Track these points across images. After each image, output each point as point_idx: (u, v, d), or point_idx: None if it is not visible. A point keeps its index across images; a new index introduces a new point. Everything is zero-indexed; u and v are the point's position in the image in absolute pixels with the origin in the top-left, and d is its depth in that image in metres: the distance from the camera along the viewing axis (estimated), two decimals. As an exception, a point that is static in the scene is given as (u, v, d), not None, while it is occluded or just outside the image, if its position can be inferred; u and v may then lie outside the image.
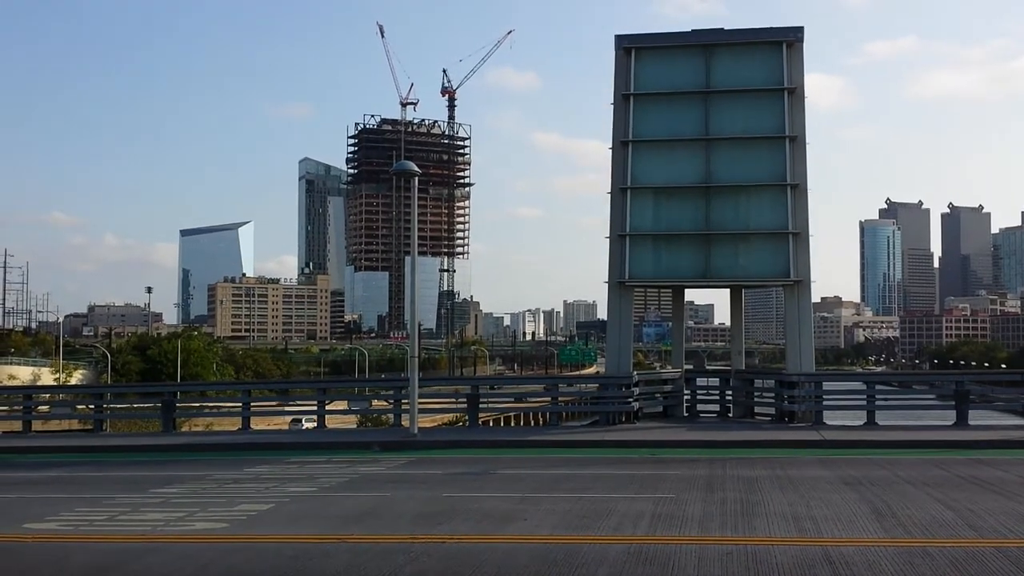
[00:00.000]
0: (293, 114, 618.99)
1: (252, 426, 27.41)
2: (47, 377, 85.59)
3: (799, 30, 26.76)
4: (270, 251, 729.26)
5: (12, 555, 11.19)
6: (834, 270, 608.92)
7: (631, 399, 25.69)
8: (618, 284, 26.96)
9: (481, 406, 27.24)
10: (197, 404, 35.57)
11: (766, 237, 26.53)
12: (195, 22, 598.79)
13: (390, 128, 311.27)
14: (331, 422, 30.44)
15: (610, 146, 27.43)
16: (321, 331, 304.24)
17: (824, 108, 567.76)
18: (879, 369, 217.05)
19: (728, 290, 29.95)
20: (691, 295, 35.88)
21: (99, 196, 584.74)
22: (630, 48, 27.13)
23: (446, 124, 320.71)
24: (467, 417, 27.14)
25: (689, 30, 28.16)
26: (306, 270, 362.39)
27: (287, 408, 35.46)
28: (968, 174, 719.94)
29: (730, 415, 27.86)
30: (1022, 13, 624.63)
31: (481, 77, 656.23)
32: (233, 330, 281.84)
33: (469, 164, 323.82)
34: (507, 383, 50.93)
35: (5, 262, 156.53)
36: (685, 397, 28.19)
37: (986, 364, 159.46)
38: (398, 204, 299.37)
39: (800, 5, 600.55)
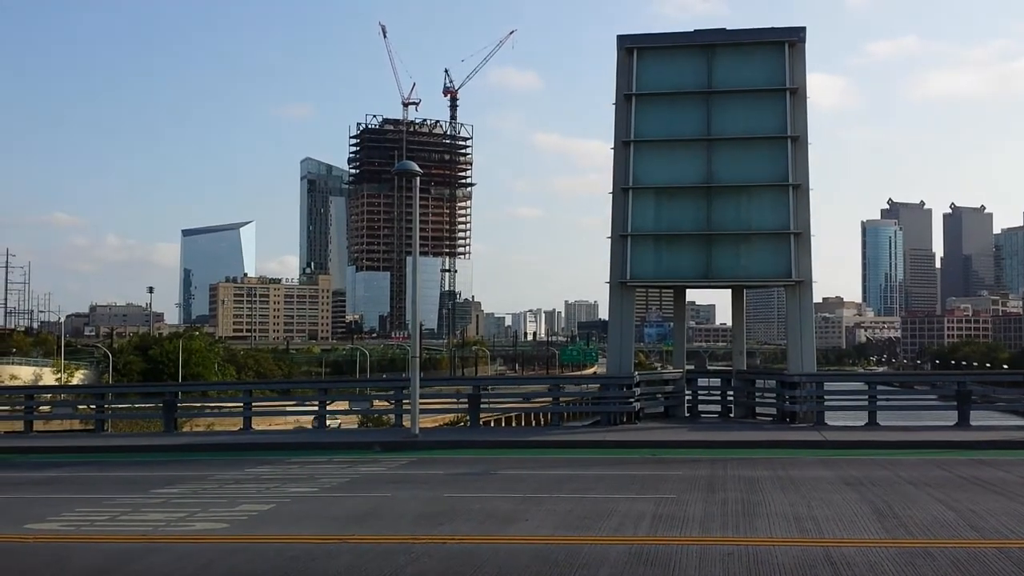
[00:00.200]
0: (295, 114, 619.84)
1: (253, 426, 27.41)
2: (49, 377, 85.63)
3: (801, 30, 26.75)
4: (272, 251, 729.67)
5: (13, 555, 11.20)
6: (836, 270, 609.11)
7: (632, 399, 25.68)
8: (619, 284, 26.95)
9: (482, 406, 27.24)
10: (198, 404, 35.58)
11: (768, 237, 26.51)
12: (197, 22, 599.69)
13: (392, 128, 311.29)
14: (332, 421, 30.43)
15: (611, 146, 27.42)
16: (322, 331, 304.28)
17: (826, 108, 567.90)
18: (880, 369, 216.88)
19: (729, 290, 29.95)
20: (692, 295, 35.89)
21: (101, 196, 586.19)
22: (632, 48, 27.12)
23: (448, 124, 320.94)
24: (468, 417, 27.14)
25: (691, 30, 28.16)
26: (307, 270, 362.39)
27: (288, 408, 35.44)
28: (970, 174, 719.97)
29: (731, 415, 27.83)
30: (1022, 13, 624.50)
31: (483, 77, 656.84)
32: (234, 330, 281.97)
33: (471, 164, 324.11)
34: (508, 383, 50.96)
35: (7, 262, 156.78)
36: (686, 397, 28.17)
37: (988, 364, 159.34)
38: (400, 204, 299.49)
39: (801, 5, 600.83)
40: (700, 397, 28.82)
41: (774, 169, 26.40)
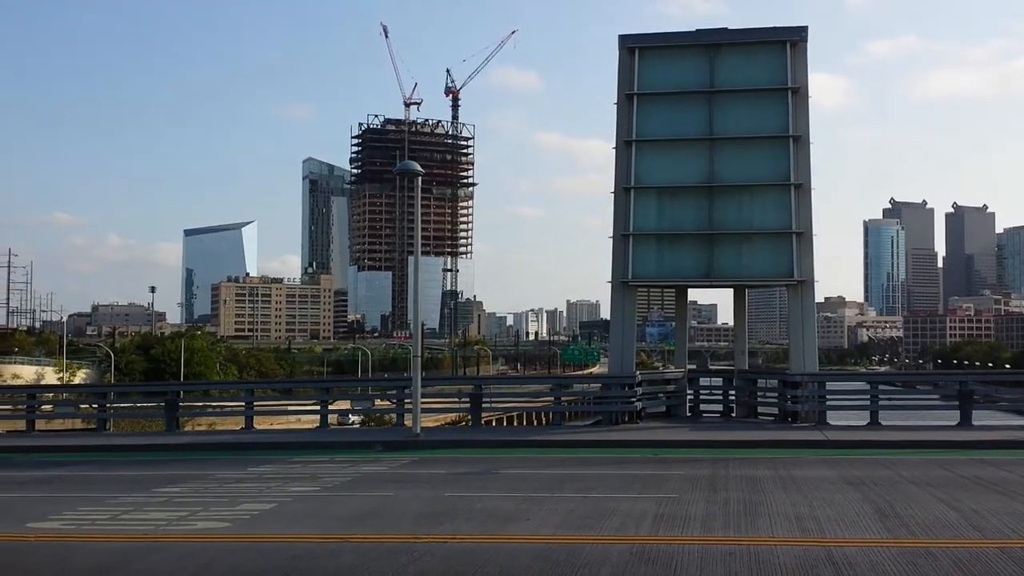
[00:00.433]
0: (296, 114, 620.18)
1: (255, 426, 27.42)
2: (51, 376, 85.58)
3: (803, 30, 26.74)
4: (273, 251, 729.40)
5: (15, 554, 11.20)
6: (838, 270, 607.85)
7: (634, 399, 25.68)
8: (621, 284, 26.95)
9: (484, 406, 27.23)
10: (200, 404, 35.56)
11: (769, 237, 26.50)
12: (197, 22, 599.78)
13: (394, 128, 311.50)
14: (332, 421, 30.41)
15: (613, 146, 27.42)
16: (324, 331, 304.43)
17: (828, 108, 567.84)
18: (883, 369, 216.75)
19: (731, 290, 29.93)
20: (694, 295, 35.87)
21: (101, 196, 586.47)
22: (634, 48, 27.11)
23: (449, 124, 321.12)
24: (470, 417, 27.15)
25: (693, 30, 28.15)
26: (309, 270, 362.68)
27: (290, 407, 35.46)
28: (972, 173, 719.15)
29: (733, 415, 27.83)
30: (1022, 13, 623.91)
31: (484, 77, 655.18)
32: (236, 330, 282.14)
33: (472, 164, 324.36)
34: (510, 383, 50.95)
35: (9, 262, 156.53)
36: (688, 397, 28.15)
37: (990, 364, 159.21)
38: (401, 204, 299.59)
39: (802, 5, 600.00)
40: (702, 397, 28.80)
41: (776, 169, 26.39)
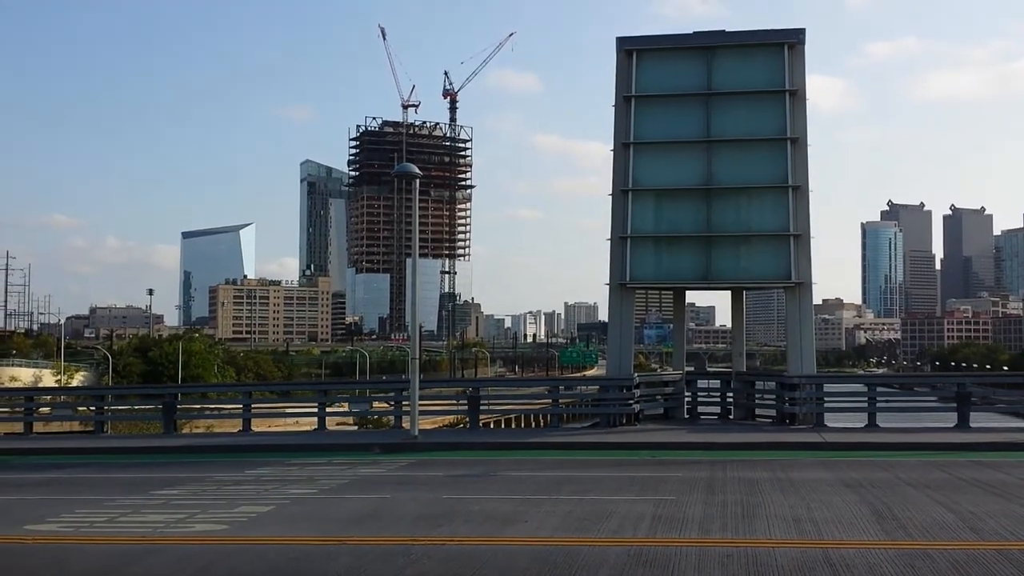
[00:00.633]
0: (294, 116, 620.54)
1: (253, 428, 27.40)
2: (48, 379, 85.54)
3: (800, 32, 26.78)
4: (271, 253, 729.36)
5: (12, 557, 11.20)
6: (835, 272, 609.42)
7: (632, 401, 25.69)
8: (619, 286, 26.96)
9: (482, 408, 27.23)
10: (198, 406, 35.60)
11: (767, 239, 26.52)
12: (197, 22, 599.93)
13: (391, 130, 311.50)
14: (331, 423, 30.40)
15: (611, 148, 27.44)
16: (322, 333, 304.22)
17: (825, 110, 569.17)
18: (880, 371, 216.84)
19: (729, 292, 29.94)
20: (692, 297, 35.94)
21: (100, 197, 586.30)
22: (632, 50, 27.14)
23: (447, 126, 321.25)
24: (468, 419, 27.13)
25: (690, 32, 28.18)
26: (307, 272, 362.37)
27: (288, 410, 35.45)
28: (970, 176, 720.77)
29: (731, 417, 27.83)
30: (1022, 13, 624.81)
31: (482, 79, 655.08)
32: (234, 332, 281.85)
33: (470, 166, 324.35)
34: (508, 385, 50.94)
35: (7, 264, 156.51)
36: (686, 399, 28.17)
37: (988, 366, 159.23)
38: (399, 206, 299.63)
39: (801, 6, 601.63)
40: (700, 399, 28.80)
41: (774, 171, 26.41)
